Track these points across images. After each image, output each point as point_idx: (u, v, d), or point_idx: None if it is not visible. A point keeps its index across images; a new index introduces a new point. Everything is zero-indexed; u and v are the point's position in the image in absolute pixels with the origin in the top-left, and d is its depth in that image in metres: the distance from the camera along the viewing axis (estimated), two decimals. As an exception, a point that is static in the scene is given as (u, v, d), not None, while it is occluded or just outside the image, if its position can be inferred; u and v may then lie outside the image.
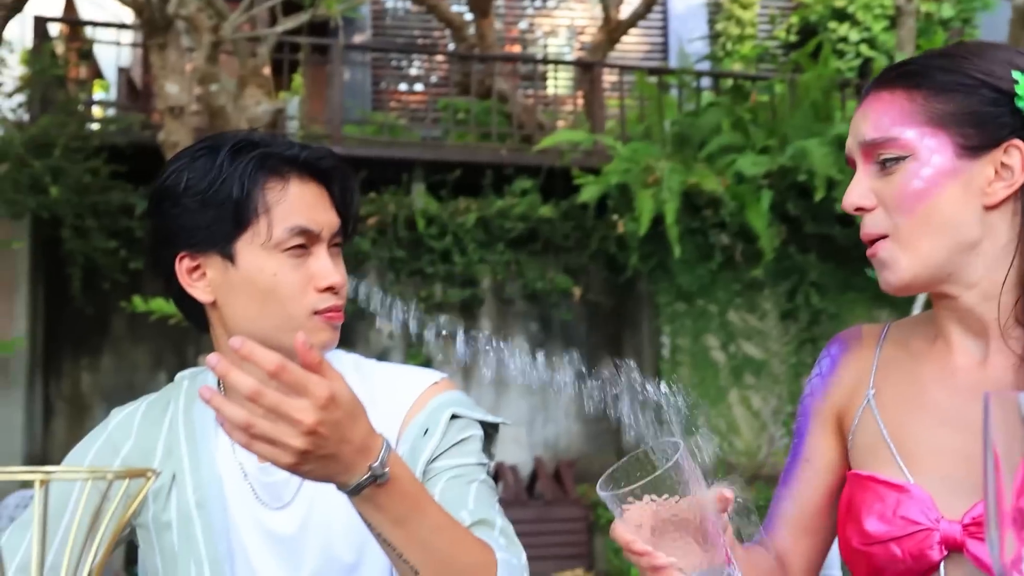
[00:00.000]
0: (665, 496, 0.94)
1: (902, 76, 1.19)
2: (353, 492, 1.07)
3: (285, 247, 1.29)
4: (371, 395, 1.38)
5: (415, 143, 8.78)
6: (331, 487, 1.09)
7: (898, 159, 1.15)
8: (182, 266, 1.32)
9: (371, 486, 1.07)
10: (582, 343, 8.71)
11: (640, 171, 7.84)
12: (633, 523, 0.95)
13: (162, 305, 6.23)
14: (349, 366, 1.43)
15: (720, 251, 7.95)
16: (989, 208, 1.14)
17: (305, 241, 1.31)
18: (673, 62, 11.06)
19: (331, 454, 1.03)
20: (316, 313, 1.31)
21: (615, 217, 8.04)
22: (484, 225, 8.20)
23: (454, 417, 1.37)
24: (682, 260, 7.87)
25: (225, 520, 1.34)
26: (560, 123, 9.74)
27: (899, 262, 1.15)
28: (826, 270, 8.15)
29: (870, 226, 1.18)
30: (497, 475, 6.99)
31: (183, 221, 1.31)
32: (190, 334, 7.57)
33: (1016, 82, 1.12)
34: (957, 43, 1.22)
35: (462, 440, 1.37)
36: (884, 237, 1.16)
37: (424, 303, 8.21)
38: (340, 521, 1.33)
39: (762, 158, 8.05)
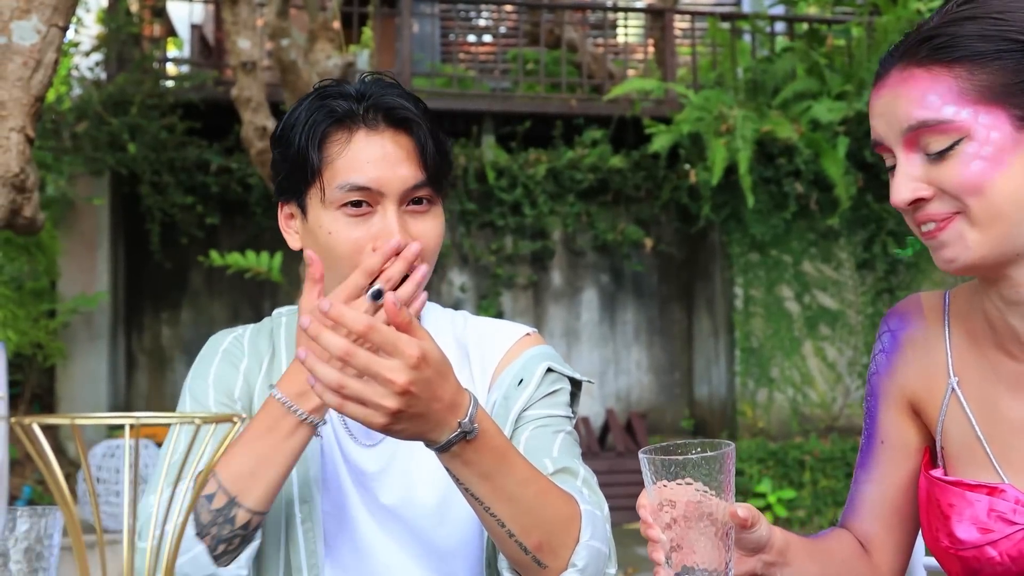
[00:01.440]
0: (701, 487, 0.93)
1: (937, 50, 1.08)
2: (443, 449, 1.09)
3: (340, 204, 1.28)
4: (464, 346, 1.41)
5: (484, 95, 8.76)
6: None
7: (953, 144, 1.06)
8: (282, 212, 1.37)
9: (460, 442, 1.08)
10: (653, 295, 8.68)
11: (712, 119, 7.74)
12: (667, 498, 0.93)
13: (238, 259, 6.35)
14: (445, 320, 1.45)
15: (794, 200, 7.83)
16: None
17: (366, 199, 1.29)
18: (746, 7, 10.84)
19: (422, 413, 1.04)
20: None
21: (687, 167, 7.96)
22: (554, 176, 8.18)
23: (548, 371, 1.38)
24: (755, 210, 7.77)
25: (317, 444, 1.36)
26: (630, 72, 9.63)
27: (967, 239, 1.07)
28: (901, 217, 7.96)
29: (935, 210, 1.08)
30: (569, 426, 7.03)
31: (275, 169, 1.36)
32: (266, 287, 7.70)
33: None
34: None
35: (553, 392, 1.38)
36: (952, 217, 1.08)
37: (495, 255, 8.23)
38: (423, 468, 1.34)
39: (838, 104, 7.88)
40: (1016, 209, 1.05)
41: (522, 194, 8.10)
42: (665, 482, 0.93)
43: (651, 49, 9.71)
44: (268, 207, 7.50)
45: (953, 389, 1.19)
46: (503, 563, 1.22)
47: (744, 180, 7.43)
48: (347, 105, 1.31)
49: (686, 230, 8.37)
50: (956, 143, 1.05)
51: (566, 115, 8.43)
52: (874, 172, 7.87)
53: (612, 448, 7.62)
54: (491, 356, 1.40)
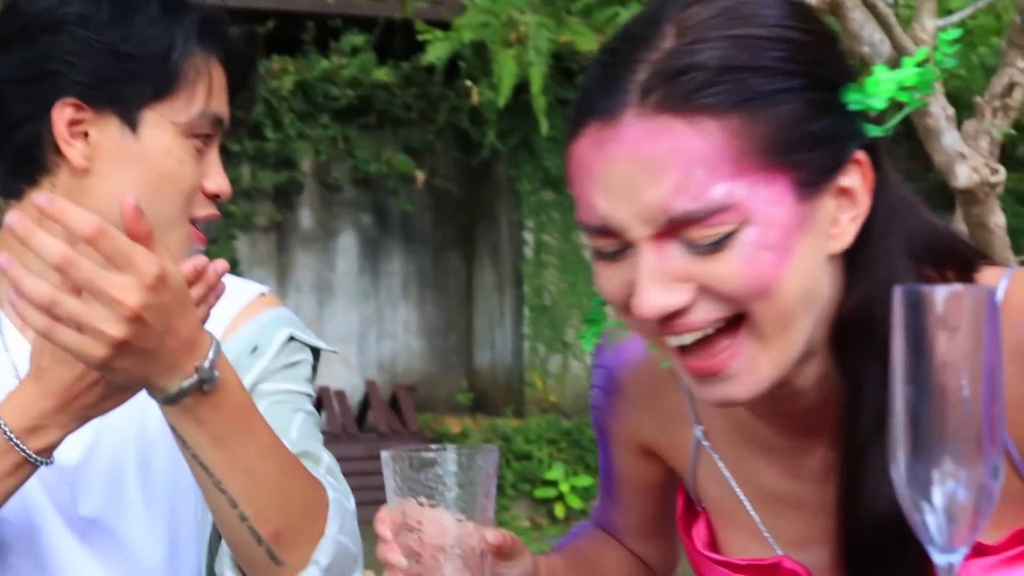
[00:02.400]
0: (455, 509, 0.93)
1: (700, 88, 0.93)
2: (171, 400, 1.06)
3: (198, 132, 1.30)
4: None
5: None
6: (136, 402, 1.08)
7: (728, 234, 0.94)
8: (63, 115, 1.28)
9: (195, 393, 1.06)
10: (426, 240, 8.71)
11: (500, 26, 7.79)
12: (413, 518, 0.93)
13: None
14: None
15: (597, 128, 8.02)
16: (833, 256, 1.00)
17: (212, 132, 1.32)
18: None
19: (152, 348, 1.02)
20: (193, 221, 1.32)
21: (468, 83, 7.99)
22: (304, 91, 8.05)
23: (290, 339, 1.39)
24: (550, 138, 7.90)
25: None
26: (400, -37, 9.57)
27: (759, 365, 0.98)
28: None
29: (700, 317, 0.97)
30: (319, 403, 7.00)
31: (79, 62, 1.28)
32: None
33: (856, 73, 0.99)
34: (722, 6, 0.98)
35: (293, 364, 1.38)
36: (733, 333, 0.98)
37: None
38: (135, 450, 1.32)
39: (649, 13, 8.10)
40: (805, 307, 0.98)
41: (263, 112, 7.93)
42: (411, 500, 0.92)
43: (426, -65, 9.69)
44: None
45: (700, 441, 1.19)
46: (225, 562, 1.21)
47: (537, 101, 7.54)
48: (222, 22, 1.35)
49: (466, 161, 8.43)
50: (731, 233, 0.93)
51: (320, 15, 8.29)
52: (689, 96, 8.17)
53: (373, 429, 7.65)
54: (218, 317, 1.35)
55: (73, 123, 1.29)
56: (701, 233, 0.93)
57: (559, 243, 8.21)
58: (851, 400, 1.04)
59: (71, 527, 1.32)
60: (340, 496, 1.24)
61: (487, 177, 8.46)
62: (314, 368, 1.45)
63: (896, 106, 1.02)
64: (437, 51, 7.73)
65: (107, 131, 1.29)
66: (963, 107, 4.51)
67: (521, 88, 7.61)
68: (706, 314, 0.96)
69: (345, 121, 8.23)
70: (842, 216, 0.99)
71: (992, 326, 0.77)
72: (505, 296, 8.36)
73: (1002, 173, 3.64)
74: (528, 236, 8.16)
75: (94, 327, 0.98)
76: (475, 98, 7.89)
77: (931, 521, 0.77)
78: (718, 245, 0.93)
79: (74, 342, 1.00)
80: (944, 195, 3.81)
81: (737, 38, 0.96)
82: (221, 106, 1.32)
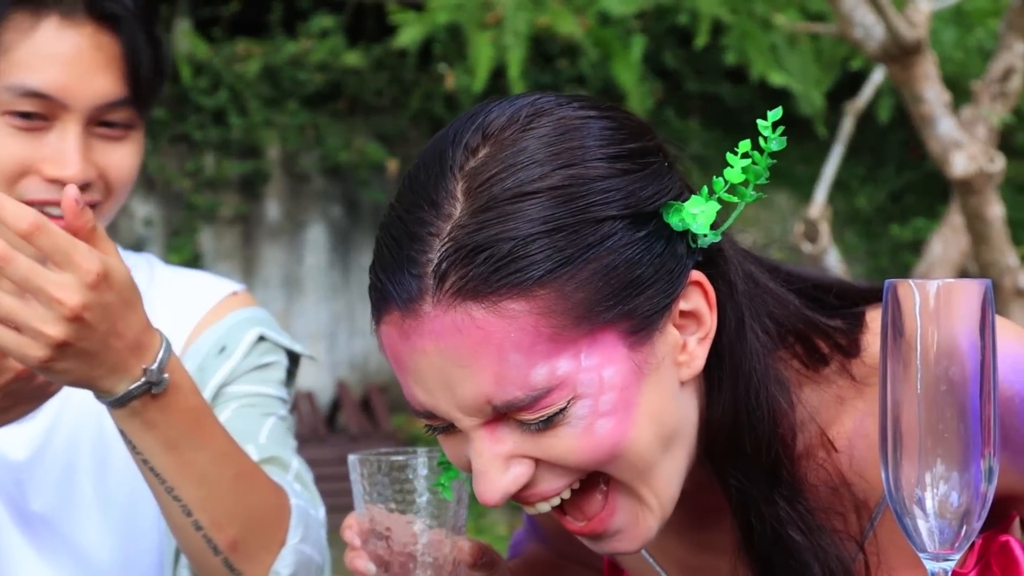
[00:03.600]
0: (425, 516, 0.93)
1: (498, 268, 0.89)
2: (118, 403, 1.04)
3: (5, 110, 1.24)
4: (150, 302, 1.36)
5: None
6: (86, 395, 1.06)
7: (559, 411, 0.92)
8: None
9: (143, 396, 1.04)
10: (400, 232, 8.71)
11: (475, 8, 7.79)
12: (382, 526, 0.92)
13: None
14: (142, 263, 1.43)
15: (578, 114, 8.02)
16: (686, 382, 0.99)
17: (41, 110, 1.25)
18: None
19: (95, 350, 1.00)
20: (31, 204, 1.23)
21: (443, 67, 7.99)
22: (270, 76, 8.03)
23: (260, 339, 1.37)
24: (530, 125, 7.91)
25: None
26: (372, -59, 9.56)
27: (639, 518, 0.98)
28: (711, 139, 8.34)
29: (548, 486, 0.95)
30: (289, 404, 6.99)
31: None
32: None
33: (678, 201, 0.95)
34: (509, 152, 0.92)
35: (264, 366, 1.37)
36: (605, 492, 0.98)
37: (192, 179, 8.02)
38: (91, 450, 1.32)
39: (633, -6, 8.12)
40: (666, 448, 0.96)
41: (228, 98, 7.92)
42: (380, 505, 0.91)
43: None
44: None
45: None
46: (183, 574, 1.21)
47: (515, 87, 7.54)
48: None
49: (442, 150, 8.43)
50: (561, 410, 0.91)
51: (286, -6, 8.28)
52: (675, 80, 8.18)
53: (344, 431, 7.65)
54: (186, 317, 1.38)
55: None
56: (530, 416, 0.91)
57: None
58: (736, 506, 1.03)
59: (20, 523, 1.31)
60: (305, 504, 1.23)
61: (463, 166, 8.47)
62: (291, 372, 1.44)
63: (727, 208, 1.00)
64: (410, 34, 7.72)
65: None
66: (960, 93, 4.55)
67: (498, 73, 7.61)
68: (554, 483, 0.95)
69: (314, 108, 8.21)
70: (689, 339, 0.97)
71: (986, 324, 0.78)
72: (483, 291, 8.38)
73: (1000, 162, 3.67)
74: (507, 228, 8.17)
75: (33, 327, 0.97)
76: (450, 83, 7.88)
77: (923, 527, 0.78)
78: (549, 423, 0.91)
79: (11, 342, 0.98)
80: (939, 185, 3.82)
81: (533, 195, 0.90)
82: (40, 78, 1.24)
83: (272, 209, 8.35)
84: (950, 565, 0.78)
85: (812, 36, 7.68)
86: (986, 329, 0.77)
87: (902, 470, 0.78)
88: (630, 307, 0.91)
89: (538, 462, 0.93)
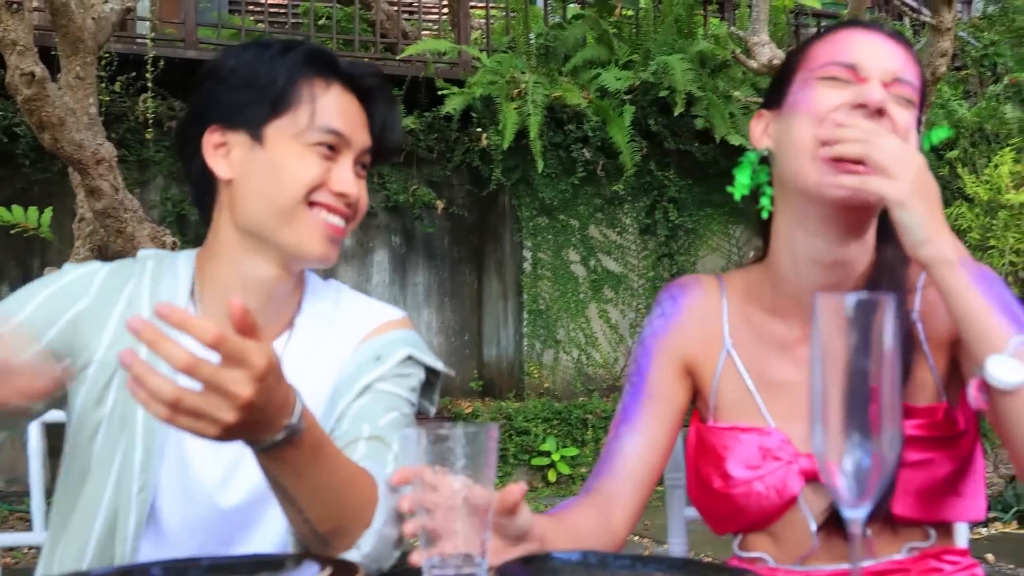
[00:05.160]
0: (463, 474, 0.93)
1: (898, 35, 1.27)
2: (264, 449, 1.03)
3: (314, 141, 1.31)
4: (332, 315, 1.42)
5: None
6: None
7: (910, 102, 1.23)
8: (211, 139, 1.34)
9: (283, 443, 1.03)
10: (444, 256, 8.72)
11: (504, 84, 7.81)
12: (428, 483, 0.91)
13: (3, 214, 5.94)
14: (321, 289, 1.47)
15: (582, 165, 8.03)
16: None
17: (335, 143, 1.32)
18: (539, -27, 10.97)
19: (256, 421, 0.98)
20: (311, 205, 1.32)
21: (479, 130, 8.01)
22: (346, 135, 8.06)
23: (409, 358, 1.38)
24: (544, 174, 7.92)
25: None
26: (424, 32, 9.59)
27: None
28: (684, 186, 8.33)
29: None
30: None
31: (221, 98, 1.34)
32: (35, 244, 7.25)
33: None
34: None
35: (405, 375, 1.38)
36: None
37: (284, 214, 8.05)
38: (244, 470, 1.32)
39: (625, 73, 8.11)
40: None
41: (312, 152, 7.95)
42: (427, 466, 0.91)
43: (445, 10, 9.69)
44: (38, 159, 7.04)
45: (728, 352, 1.31)
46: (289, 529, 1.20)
47: (534, 145, 7.55)
48: (329, 58, 1.36)
49: (477, 193, 8.44)
50: (911, 104, 1.24)
51: (359, 73, 8.30)
52: (657, 140, 8.17)
53: (402, 409, 7.65)
54: (359, 329, 1.41)
55: (218, 145, 1.34)
56: (905, 94, 1.22)
57: (552, 260, 8.22)
58: (875, 273, 1.25)
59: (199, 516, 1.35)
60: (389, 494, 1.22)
61: (494, 206, 8.47)
62: (432, 385, 1.45)
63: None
64: (454, 103, 7.74)
65: (242, 146, 1.34)
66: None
67: (521, 134, 7.63)
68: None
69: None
70: None
71: (893, 325, 0.78)
72: (508, 302, 8.37)
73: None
74: (527, 254, 8.17)
75: (212, 416, 0.95)
76: (484, 142, 7.90)
77: (842, 483, 0.79)
78: (903, 106, 1.22)
79: (192, 427, 0.96)
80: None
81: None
82: (337, 122, 1.33)
83: (348, 239, 8.38)
84: (863, 512, 0.79)
85: (763, 106, 7.66)
86: (892, 330, 0.78)
87: (826, 438, 0.79)
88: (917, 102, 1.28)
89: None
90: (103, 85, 7.15)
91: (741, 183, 1.34)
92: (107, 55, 6.96)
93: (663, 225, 8.36)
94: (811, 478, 1.22)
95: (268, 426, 1.01)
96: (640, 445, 1.34)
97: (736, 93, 7.71)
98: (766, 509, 1.24)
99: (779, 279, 1.30)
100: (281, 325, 1.40)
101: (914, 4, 5.72)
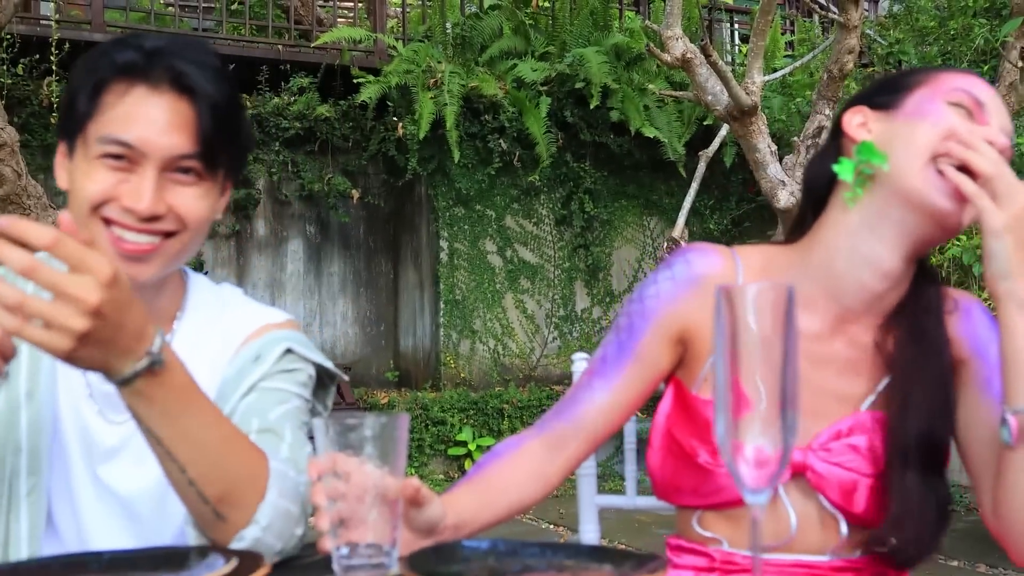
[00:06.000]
0: (374, 462, 0.93)
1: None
2: (125, 382, 1.02)
3: (99, 154, 1.23)
4: (216, 319, 1.38)
5: (185, 33, 8.33)
6: None
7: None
8: (59, 148, 1.31)
9: (145, 375, 1.02)
10: (360, 246, 8.66)
11: (421, 73, 7.77)
12: (339, 470, 0.91)
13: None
14: (208, 293, 1.42)
15: (498, 156, 8.04)
16: None
17: (123, 153, 1.23)
18: (456, -38, 10.93)
19: (110, 338, 0.97)
20: (107, 221, 1.24)
21: (395, 119, 7.96)
22: (259, 123, 7.94)
23: (288, 352, 1.35)
24: (461, 164, 7.91)
25: (54, 412, 1.29)
26: (340, 20, 9.48)
27: None
28: (600, 178, 8.40)
29: None
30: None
31: (60, 105, 1.31)
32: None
33: None
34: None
35: (290, 370, 1.34)
36: None
37: (195, 203, 7.91)
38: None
39: (541, 64, 8.14)
40: None
41: (225, 140, 7.81)
42: (338, 453, 0.90)
43: (361, -2, 9.61)
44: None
45: None
46: (186, 519, 1.18)
47: (451, 135, 7.54)
48: (133, 57, 1.25)
49: (393, 182, 8.39)
50: None
51: (272, 60, 8.18)
52: (573, 132, 8.21)
53: (316, 400, 7.58)
54: (241, 331, 1.37)
55: (62, 155, 1.30)
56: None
57: (468, 250, 8.22)
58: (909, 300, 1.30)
59: (101, 500, 1.32)
60: (286, 466, 1.21)
61: (410, 195, 8.43)
62: (326, 388, 1.42)
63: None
64: (369, 92, 7.69)
65: (64, 156, 1.31)
66: (784, 145, 4.62)
67: (437, 124, 7.61)
68: None
69: (293, 148, 8.14)
70: None
71: (791, 317, 0.80)
72: (424, 292, 8.34)
73: (815, 197, 3.73)
74: (443, 244, 8.15)
75: (60, 323, 0.94)
76: (400, 131, 7.85)
77: (744, 470, 0.80)
78: None
79: (42, 338, 0.94)
80: (769, 214, 3.87)
81: None
82: (125, 130, 1.23)
83: (260, 227, 8.26)
84: (764, 497, 0.81)
85: (675, 100, 7.77)
86: (790, 322, 0.79)
87: (729, 427, 0.80)
88: None
89: None
90: (5, 68, 6.94)
91: (847, 166, 1.31)
92: (9, 36, 6.75)
93: (579, 216, 8.41)
94: (797, 471, 1.24)
95: (126, 351, 1.00)
96: (609, 403, 1.33)
97: (651, 86, 7.79)
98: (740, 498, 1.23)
99: (821, 271, 1.28)
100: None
101: (823, 2, 5.84)
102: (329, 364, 1.40)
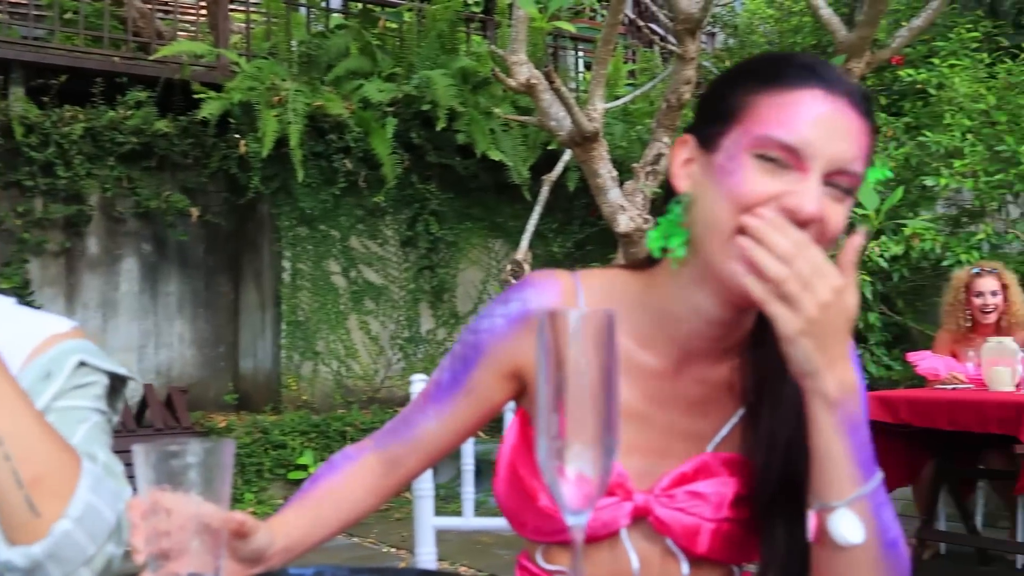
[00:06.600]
0: (198, 493, 0.90)
1: (865, 102, 1.13)
2: None
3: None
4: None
5: (14, 41, 7.96)
6: None
7: (850, 193, 1.12)
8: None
9: None
10: (199, 265, 8.43)
11: (265, 90, 7.64)
12: (162, 505, 0.87)
13: None
14: None
15: (343, 176, 7.97)
16: None
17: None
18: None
19: None
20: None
21: (237, 136, 7.80)
22: (92, 137, 7.65)
23: (82, 364, 1.30)
24: (305, 184, 7.80)
25: None
26: (181, 34, 9.24)
27: None
28: (445, 199, 8.42)
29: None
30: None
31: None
32: None
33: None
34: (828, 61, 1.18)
35: (84, 385, 1.30)
36: None
37: (22, 219, 7.55)
38: None
39: (388, 85, 8.12)
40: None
41: (55, 154, 7.49)
42: (160, 487, 0.87)
43: (203, 12, 9.38)
44: None
45: None
46: None
47: (295, 153, 7.43)
48: None
49: (235, 201, 8.21)
50: (850, 193, 1.12)
51: (108, 72, 7.90)
52: (419, 153, 8.22)
53: (150, 424, 7.32)
54: (22, 347, 1.30)
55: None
56: (845, 183, 1.10)
57: (311, 270, 8.11)
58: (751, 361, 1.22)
59: None
60: (100, 472, 1.17)
61: (252, 214, 8.27)
62: (117, 389, 1.37)
63: None
64: (211, 108, 7.51)
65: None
66: (624, 171, 4.74)
67: (281, 142, 7.50)
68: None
69: (129, 163, 7.86)
70: None
71: (611, 340, 0.81)
72: (266, 313, 8.18)
73: (652, 222, 3.84)
74: (286, 264, 8.02)
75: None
76: (243, 149, 7.69)
77: (565, 490, 0.81)
78: (848, 193, 1.11)
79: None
80: (610, 238, 3.96)
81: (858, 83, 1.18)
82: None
83: (92, 245, 7.94)
84: (584, 518, 0.82)
85: (520, 124, 7.87)
86: (610, 345, 0.81)
87: (550, 448, 0.81)
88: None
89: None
90: None
91: (656, 237, 1.20)
92: None
93: (424, 237, 8.41)
94: (640, 515, 1.21)
95: None
96: (442, 430, 1.31)
97: (497, 110, 7.86)
98: (588, 538, 1.18)
99: (659, 314, 1.21)
100: None
101: (663, 33, 6.03)
102: (122, 370, 1.37)
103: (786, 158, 1.08)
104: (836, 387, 1.04)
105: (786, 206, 1.06)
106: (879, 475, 1.06)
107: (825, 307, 1.01)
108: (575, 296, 1.26)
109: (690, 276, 1.17)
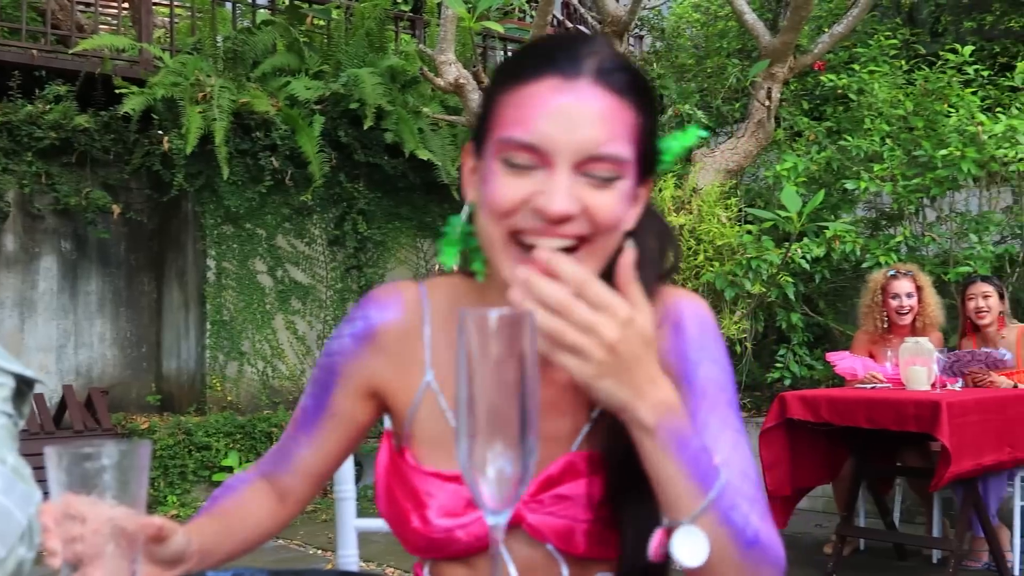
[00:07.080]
0: (113, 498, 0.88)
1: (624, 75, 1.06)
2: None
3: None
4: None
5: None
6: None
7: (615, 178, 1.05)
8: None
9: None
10: (121, 264, 8.27)
11: (189, 86, 7.53)
12: (75, 512, 0.85)
13: None
14: None
15: (270, 174, 7.88)
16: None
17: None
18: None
19: None
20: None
21: (160, 133, 7.66)
22: (9, 132, 7.46)
23: None
24: (230, 181, 7.70)
25: None
26: (102, 27, 9.06)
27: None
28: (373, 199, 8.38)
29: (571, 230, 1.04)
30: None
31: None
32: None
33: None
34: (601, 36, 1.12)
35: None
36: (575, 245, 1.06)
37: (-66, 214, 7.33)
38: None
39: (316, 83, 8.05)
40: (613, 249, 1.08)
41: (-30, 148, 7.29)
42: (74, 494, 0.85)
43: (125, 6, 9.21)
44: None
45: (429, 384, 1.21)
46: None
47: (220, 151, 7.33)
48: None
49: (158, 198, 8.07)
50: (617, 179, 1.05)
51: (26, 65, 7.71)
52: (347, 152, 8.16)
53: (69, 426, 7.16)
54: None
55: None
56: (603, 171, 1.04)
57: (237, 269, 8.00)
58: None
59: None
60: (8, 472, 1.15)
61: (176, 212, 8.13)
62: (24, 394, 1.34)
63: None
64: (133, 103, 7.37)
65: None
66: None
67: (206, 139, 7.39)
68: (575, 230, 1.04)
69: (48, 159, 7.68)
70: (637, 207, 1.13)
71: (532, 343, 0.82)
72: (190, 313, 8.05)
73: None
74: (211, 263, 7.90)
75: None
76: (166, 145, 7.56)
77: (485, 490, 0.82)
78: (606, 183, 1.04)
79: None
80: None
81: (623, 56, 1.10)
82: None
83: (9, 242, 7.74)
84: (503, 518, 0.82)
85: (449, 124, 7.87)
86: (529, 347, 0.82)
87: (471, 447, 0.81)
88: (650, 153, 1.12)
89: (580, 210, 1.03)
90: None
91: (449, 251, 1.17)
92: None
93: (352, 237, 8.36)
94: (514, 523, 1.17)
95: None
96: (316, 455, 1.30)
97: (425, 109, 7.86)
98: (466, 552, 1.18)
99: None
100: None
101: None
102: (29, 372, 1.34)
103: (530, 158, 1.03)
104: (650, 413, 0.97)
105: (535, 207, 1.02)
106: (721, 479, 1.01)
107: (613, 347, 0.93)
108: (420, 305, 1.24)
109: (500, 281, 1.10)
